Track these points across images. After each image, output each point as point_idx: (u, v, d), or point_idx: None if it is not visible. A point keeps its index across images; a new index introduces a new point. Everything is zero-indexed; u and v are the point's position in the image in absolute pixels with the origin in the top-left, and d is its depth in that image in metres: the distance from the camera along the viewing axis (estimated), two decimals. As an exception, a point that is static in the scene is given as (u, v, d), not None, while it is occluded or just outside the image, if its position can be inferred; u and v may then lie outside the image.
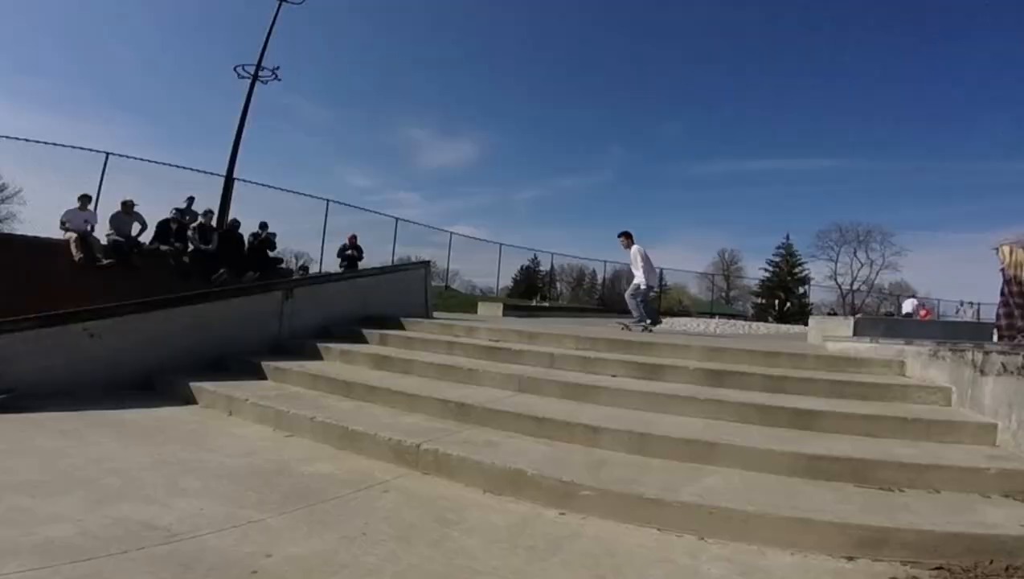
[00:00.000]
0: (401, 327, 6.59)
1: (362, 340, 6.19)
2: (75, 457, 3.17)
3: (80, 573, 1.95)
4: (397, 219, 19.47)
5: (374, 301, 7.36)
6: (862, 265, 45.79)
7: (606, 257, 30.35)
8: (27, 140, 12.99)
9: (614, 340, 5.36)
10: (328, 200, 16.57)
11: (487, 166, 73.84)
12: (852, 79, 66.01)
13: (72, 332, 4.65)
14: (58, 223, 9.70)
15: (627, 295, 8.40)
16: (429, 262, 9.46)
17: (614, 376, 4.55)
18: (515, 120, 73.89)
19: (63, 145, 13.43)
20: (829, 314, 23.62)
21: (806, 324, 9.65)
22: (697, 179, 72.58)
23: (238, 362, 5.42)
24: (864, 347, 4.97)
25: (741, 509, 2.56)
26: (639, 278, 8.08)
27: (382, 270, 8.84)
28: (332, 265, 16.20)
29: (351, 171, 70.74)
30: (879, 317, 19.13)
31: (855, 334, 6.26)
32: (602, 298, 30.99)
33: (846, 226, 46.19)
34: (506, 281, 27.27)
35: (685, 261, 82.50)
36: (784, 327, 16.69)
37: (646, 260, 8.15)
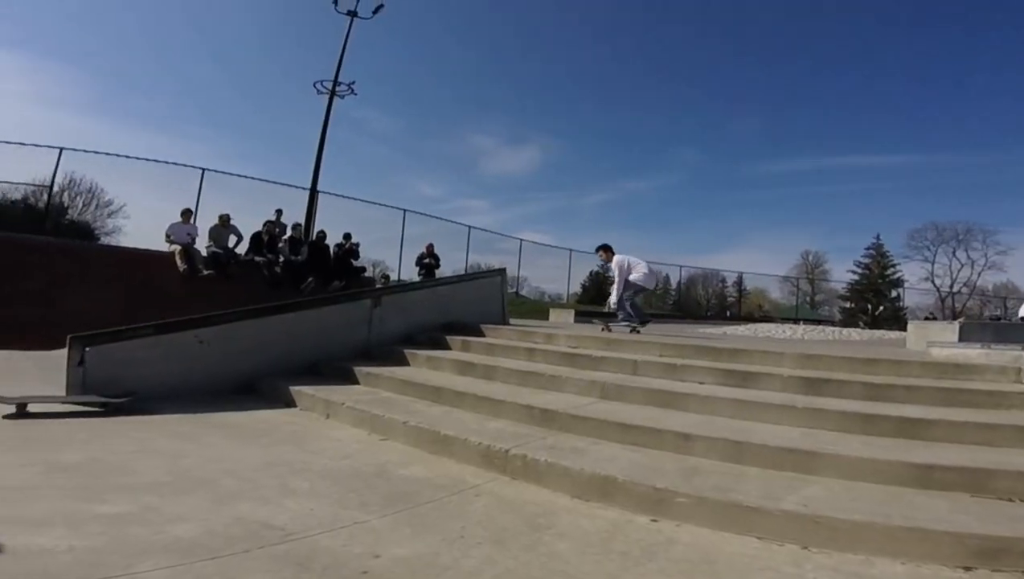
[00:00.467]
0: (481, 334, 6.70)
1: (445, 346, 6.35)
2: (193, 458, 3.42)
3: (208, 571, 2.08)
4: (470, 227, 19.84)
5: (454, 308, 7.54)
6: (962, 266, 42.18)
7: (680, 261, 29.70)
8: (128, 157, 14.21)
9: (700, 347, 5.25)
10: (405, 210, 17.14)
11: (553, 171, 73.85)
12: (942, 70, 61.48)
13: (184, 339, 5.05)
14: (159, 236, 10.56)
15: (612, 302, 8.54)
16: (505, 269, 9.57)
17: (702, 383, 4.46)
18: (581, 124, 73.51)
19: (163, 161, 14.58)
20: (928, 318, 22.06)
21: (903, 329, 9.07)
22: (774, 178, 69.64)
23: (331, 367, 5.69)
24: (975, 353, 4.64)
25: (847, 518, 2.48)
26: (615, 291, 8.24)
27: (460, 278, 9.03)
28: (409, 273, 16.73)
29: (420, 180, 72.53)
30: (985, 321, 17.71)
31: (961, 339, 5.85)
32: (678, 303, 30.30)
33: (943, 224, 42.71)
34: (574, 287, 27.08)
35: (763, 264, 78.73)
36: (879, 333, 15.74)
37: (625, 270, 8.11)
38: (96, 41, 58.30)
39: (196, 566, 2.10)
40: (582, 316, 14.78)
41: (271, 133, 68.88)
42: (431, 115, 74.65)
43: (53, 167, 13.65)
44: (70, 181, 16.99)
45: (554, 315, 16.35)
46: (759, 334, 10.59)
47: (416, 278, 14.24)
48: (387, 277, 14.62)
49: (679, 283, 31.01)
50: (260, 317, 5.65)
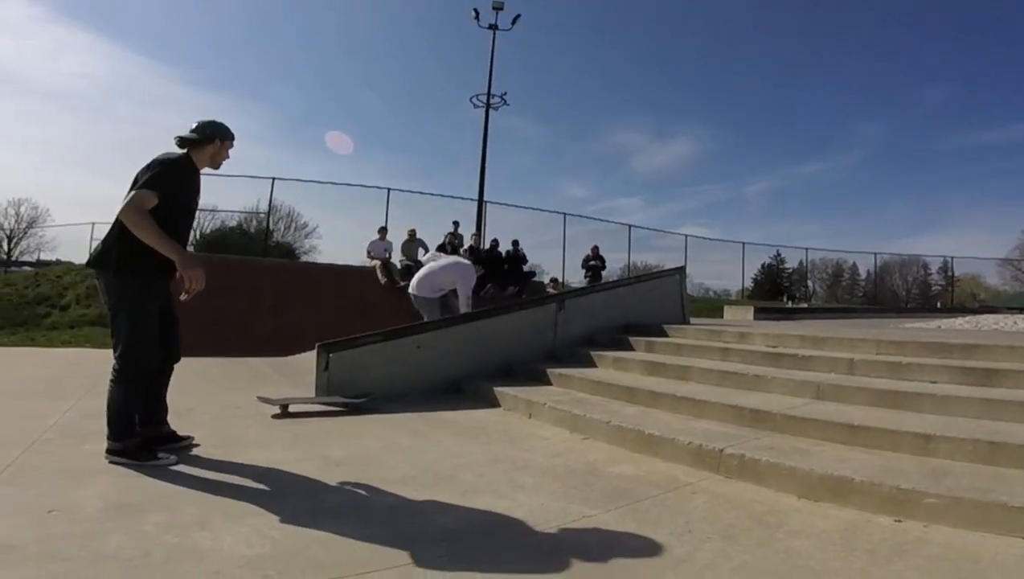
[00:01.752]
0: (664, 334, 6.66)
1: (628, 347, 6.41)
2: (430, 453, 3.80)
3: (480, 558, 2.29)
4: (630, 226, 19.66)
5: (633, 309, 7.57)
6: None
7: (871, 248, 26.80)
8: (320, 182, 16.20)
9: (926, 343, 4.76)
10: (565, 214, 17.52)
11: (709, 162, 70.61)
12: None
13: (405, 345, 5.66)
14: (347, 252, 11.93)
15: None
16: (683, 268, 9.39)
17: (934, 382, 4.06)
18: (737, 108, 69.71)
19: (351, 184, 16.41)
20: None
21: None
22: (981, 149, 59.90)
23: (524, 369, 6.03)
24: None
25: None
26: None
27: (638, 278, 9.02)
28: (573, 276, 17.03)
29: (568, 183, 73.21)
30: None
31: None
32: (869, 295, 27.26)
33: None
34: (746, 282, 25.58)
35: (973, 246, 68.42)
36: None
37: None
38: (279, 83, 67.76)
39: (467, 553, 2.33)
40: (763, 312, 13.91)
41: (427, 149, 74.09)
42: (574, 118, 75.22)
43: (268, 194, 16.01)
44: (272, 207, 19.66)
45: (729, 313, 15.56)
46: (982, 328, 9.22)
47: (582, 281, 14.42)
48: (556, 281, 15.00)
49: (870, 273, 27.92)
50: (463, 323, 6.18)
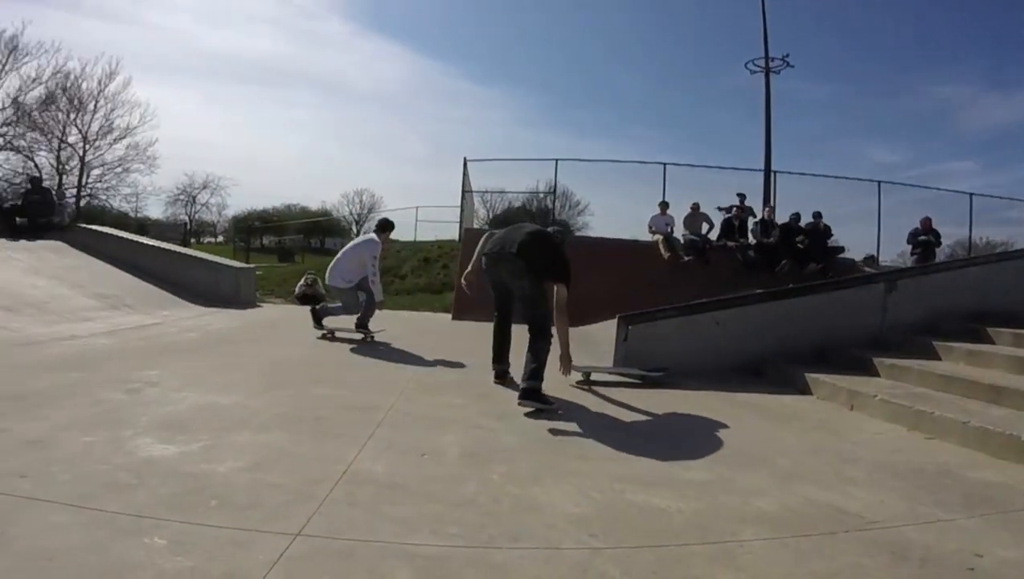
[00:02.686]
0: (1043, 324, 5.24)
1: (986, 339, 5.24)
2: (737, 434, 3.63)
3: (804, 547, 2.15)
4: (971, 194, 15.85)
5: (992, 293, 6.13)
6: None
7: None
8: (599, 160, 16.51)
9: None
10: (879, 181, 14.93)
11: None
12: None
13: (703, 321, 5.49)
14: (618, 226, 11.91)
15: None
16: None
17: None
18: None
19: (627, 161, 16.42)
20: None
21: None
22: None
23: (841, 355, 5.36)
24: None
25: None
26: None
27: (1000, 257, 7.24)
28: (893, 253, 14.51)
29: (871, 146, 61.97)
30: None
31: None
32: None
33: None
34: None
35: None
36: None
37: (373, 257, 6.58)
38: (539, 70, 71.33)
39: (790, 541, 2.20)
40: None
41: (690, 121, 70.50)
42: (874, 72, 62.58)
43: (549, 176, 17.00)
44: (548, 186, 20.74)
45: None
46: None
47: (906, 259, 12.21)
48: (871, 258, 12.98)
49: None
50: (767, 301, 5.74)
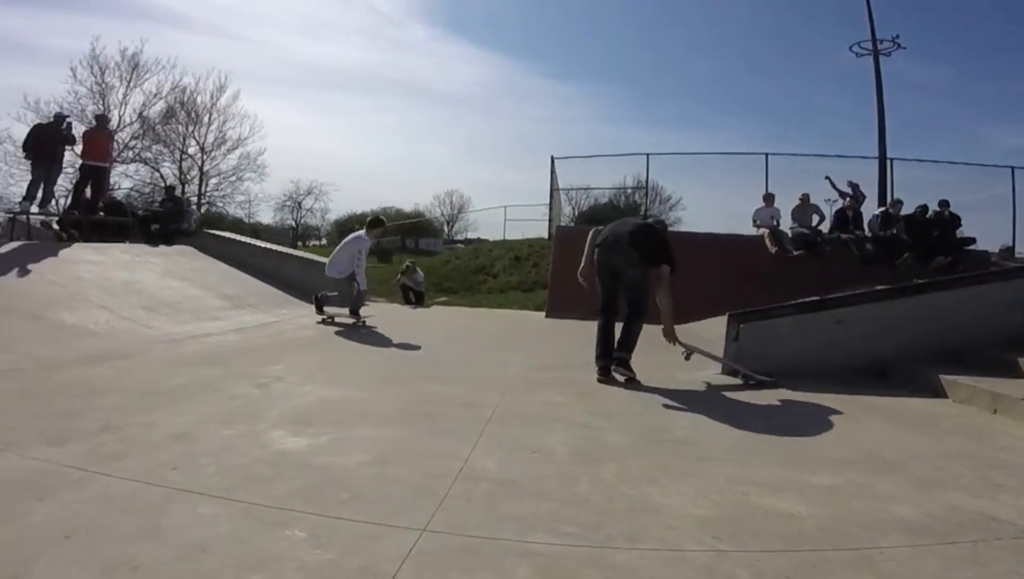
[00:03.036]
0: None
1: None
2: (865, 438, 3.43)
3: (955, 555, 2.02)
4: None
5: None
6: None
7: None
8: (695, 153, 15.90)
9: None
10: (1012, 167, 13.41)
11: None
12: None
13: (822, 319, 5.16)
14: (713, 220, 11.42)
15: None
16: None
17: None
18: None
19: (726, 153, 15.69)
20: None
21: None
22: None
23: (978, 356, 4.87)
24: None
25: None
26: None
27: None
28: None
29: (994, 130, 55.68)
30: None
31: None
32: None
33: None
34: None
35: None
36: None
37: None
38: (617, 64, 69.38)
39: (937, 548, 2.05)
40: None
41: (785, 109, 66.41)
42: (998, 47, 55.48)
43: (640, 171, 16.60)
44: (636, 181, 20.14)
45: None
46: None
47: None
48: (1008, 249, 11.71)
49: None
50: (894, 298, 5.29)
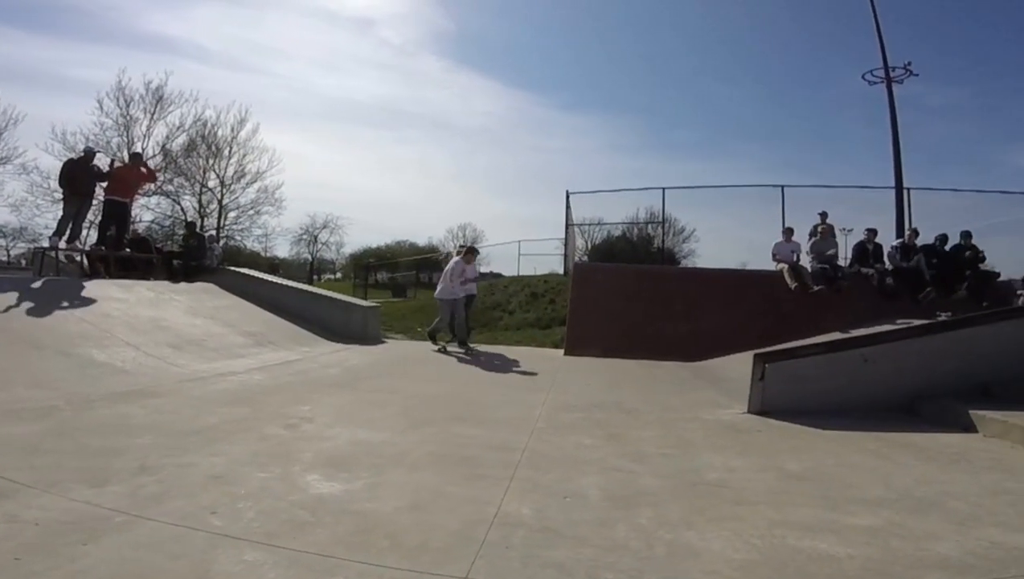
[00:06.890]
0: None
1: None
2: (900, 476, 3.42)
3: None
4: None
5: None
6: None
7: None
8: (711, 187, 15.97)
9: None
10: (1034, 193, 13.36)
11: None
12: None
13: (850, 357, 5.14)
14: (730, 253, 11.38)
15: None
16: None
17: None
18: None
19: (740, 185, 15.77)
20: None
21: None
22: None
23: (1007, 390, 4.88)
24: None
25: None
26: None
27: None
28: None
29: (1016, 152, 55.44)
30: None
31: None
32: None
33: None
34: None
35: None
36: None
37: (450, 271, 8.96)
38: (631, 93, 70.93)
39: None
40: None
41: (801, 134, 66.83)
42: (1018, 67, 55.60)
43: (655, 203, 16.70)
44: (650, 214, 20.16)
45: None
46: None
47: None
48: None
49: None
50: (922, 336, 5.27)
